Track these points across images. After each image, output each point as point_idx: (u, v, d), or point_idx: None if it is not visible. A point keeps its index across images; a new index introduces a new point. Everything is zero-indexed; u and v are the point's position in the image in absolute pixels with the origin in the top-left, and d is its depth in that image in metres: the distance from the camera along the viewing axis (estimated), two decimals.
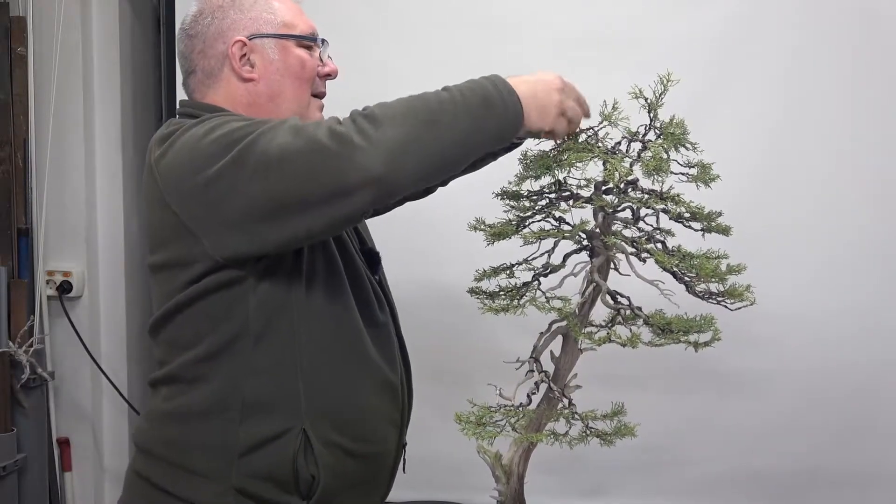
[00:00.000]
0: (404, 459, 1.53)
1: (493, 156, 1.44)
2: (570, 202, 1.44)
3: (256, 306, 1.29)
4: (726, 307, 1.44)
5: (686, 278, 1.43)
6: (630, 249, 1.43)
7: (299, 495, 1.33)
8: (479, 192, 1.50)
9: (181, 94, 1.49)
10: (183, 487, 1.32)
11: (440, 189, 1.56)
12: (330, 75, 1.46)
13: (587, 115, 1.38)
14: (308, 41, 1.42)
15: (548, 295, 1.52)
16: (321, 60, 1.44)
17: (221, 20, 1.38)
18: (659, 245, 1.43)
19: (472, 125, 1.20)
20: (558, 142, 1.39)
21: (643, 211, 1.43)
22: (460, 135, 1.19)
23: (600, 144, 1.40)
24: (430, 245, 2.28)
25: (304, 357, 1.32)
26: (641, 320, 1.44)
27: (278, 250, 1.26)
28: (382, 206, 1.24)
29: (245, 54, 1.38)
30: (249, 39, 1.37)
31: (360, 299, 1.40)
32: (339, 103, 1.91)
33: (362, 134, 1.15)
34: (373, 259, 1.51)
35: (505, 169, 1.48)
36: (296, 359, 1.32)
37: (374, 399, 1.41)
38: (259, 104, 1.39)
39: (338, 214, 1.17)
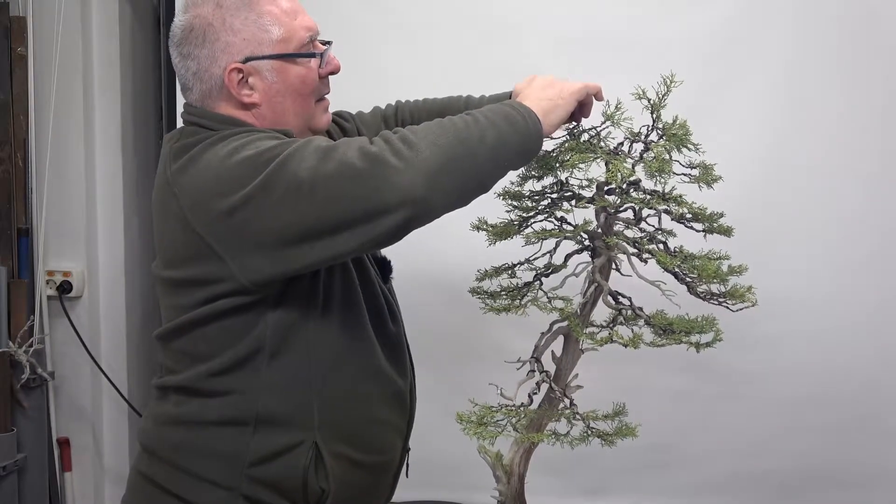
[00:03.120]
0: (407, 464, 1.54)
1: None
2: (573, 202, 1.44)
3: (274, 325, 1.29)
4: (728, 308, 1.44)
5: (688, 279, 1.44)
6: (632, 250, 1.43)
7: None
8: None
9: (181, 94, 1.46)
10: (188, 490, 1.32)
11: None
12: (333, 72, 1.40)
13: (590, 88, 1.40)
14: (306, 57, 1.35)
15: (549, 295, 1.52)
16: (322, 62, 1.38)
17: (214, 42, 1.30)
18: (661, 246, 1.43)
19: (500, 141, 1.21)
20: (585, 117, 1.43)
21: (645, 211, 1.43)
22: (490, 152, 1.20)
23: (603, 145, 1.41)
24: (432, 244, 2.28)
25: (318, 373, 1.32)
26: (643, 321, 1.44)
27: (305, 271, 1.25)
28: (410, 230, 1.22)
29: (243, 77, 1.32)
30: (245, 62, 1.31)
31: (373, 312, 1.40)
32: (340, 106, 1.91)
33: (398, 155, 1.14)
34: (385, 268, 1.51)
35: None
36: (310, 375, 1.32)
37: (385, 411, 1.41)
38: (263, 125, 1.34)
39: (370, 236, 1.16)
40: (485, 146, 1.19)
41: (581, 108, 1.41)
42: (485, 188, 1.25)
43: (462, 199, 1.22)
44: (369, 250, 1.28)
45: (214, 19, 1.31)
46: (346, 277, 1.36)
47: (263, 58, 1.31)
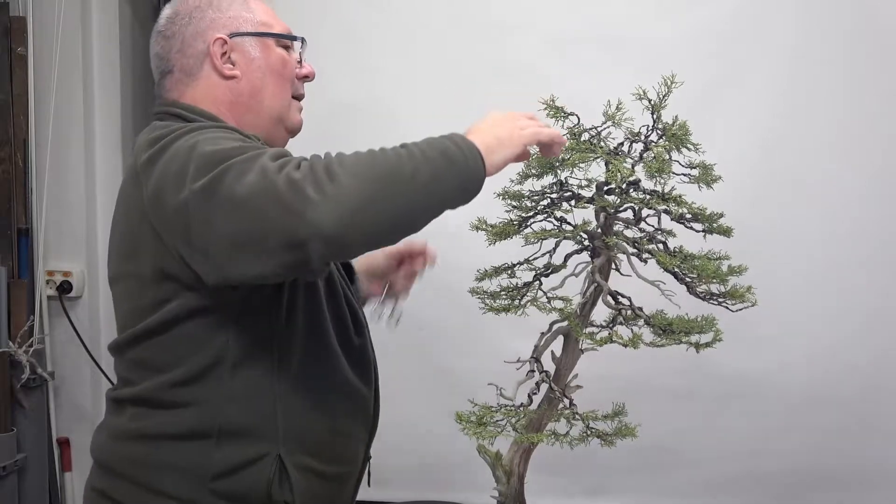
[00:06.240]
0: (369, 472, 1.51)
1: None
2: (572, 202, 1.44)
3: (236, 334, 1.27)
4: (727, 308, 1.44)
5: (687, 279, 1.44)
6: (631, 250, 1.43)
7: None
8: (481, 191, 1.50)
9: (157, 86, 1.46)
10: None
11: None
12: (308, 77, 1.43)
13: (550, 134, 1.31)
14: (287, 40, 1.41)
15: (549, 295, 1.52)
16: (299, 62, 1.43)
17: (200, 20, 1.36)
18: (660, 246, 1.43)
19: (434, 179, 1.14)
20: (553, 156, 1.35)
21: (645, 211, 1.43)
22: (423, 189, 1.13)
23: (602, 145, 1.41)
24: (432, 244, 2.28)
25: (281, 384, 1.30)
26: (642, 321, 1.44)
27: (242, 284, 1.22)
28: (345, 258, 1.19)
29: (226, 52, 1.35)
30: (230, 37, 1.36)
31: (337, 320, 1.37)
32: (339, 106, 1.91)
33: (317, 186, 1.09)
34: (349, 270, 1.50)
35: (506, 169, 1.48)
36: (273, 386, 1.29)
37: (349, 421, 1.39)
38: (241, 102, 1.36)
39: (291, 263, 1.12)
40: (416, 183, 1.12)
41: (548, 148, 1.32)
42: (414, 227, 1.18)
43: (386, 237, 1.17)
44: (292, 277, 1.23)
45: (202, 2, 1.38)
46: (310, 287, 1.33)
47: (248, 34, 1.37)
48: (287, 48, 1.41)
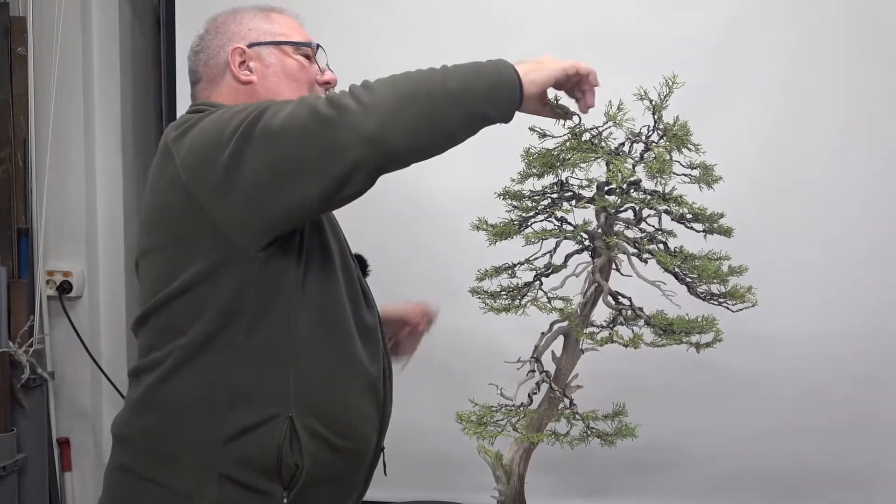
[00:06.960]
0: (384, 462, 1.54)
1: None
2: (573, 202, 1.44)
3: (253, 297, 1.31)
4: (728, 308, 1.44)
5: (688, 279, 1.44)
6: (632, 250, 1.43)
7: (281, 484, 1.34)
8: (481, 191, 1.50)
9: (181, 94, 1.53)
10: (165, 474, 1.33)
11: (442, 188, 1.56)
12: (329, 83, 1.52)
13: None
14: (305, 47, 1.50)
15: (549, 295, 1.52)
16: (321, 70, 1.52)
17: (223, 34, 1.49)
18: (661, 246, 1.43)
19: (464, 85, 1.23)
20: (589, 105, 1.39)
21: (645, 212, 1.43)
22: (454, 96, 1.22)
23: (604, 145, 1.41)
24: (433, 244, 2.28)
25: (295, 349, 1.34)
26: (643, 321, 1.44)
27: (284, 224, 1.28)
28: (385, 171, 1.25)
29: (244, 61, 1.47)
30: (248, 47, 1.47)
31: (352, 299, 1.43)
32: None
33: (355, 98, 1.20)
34: (363, 262, 1.54)
35: (507, 169, 1.48)
36: (287, 350, 1.34)
37: (358, 399, 1.43)
38: None
39: (337, 175, 1.20)
40: (447, 89, 1.22)
41: (583, 96, 1.39)
42: (453, 136, 1.25)
43: (429, 145, 1.24)
44: (337, 194, 1.26)
45: (227, 18, 1.51)
46: (324, 255, 1.39)
47: (266, 43, 1.47)
48: (308, 57, 1.51)
